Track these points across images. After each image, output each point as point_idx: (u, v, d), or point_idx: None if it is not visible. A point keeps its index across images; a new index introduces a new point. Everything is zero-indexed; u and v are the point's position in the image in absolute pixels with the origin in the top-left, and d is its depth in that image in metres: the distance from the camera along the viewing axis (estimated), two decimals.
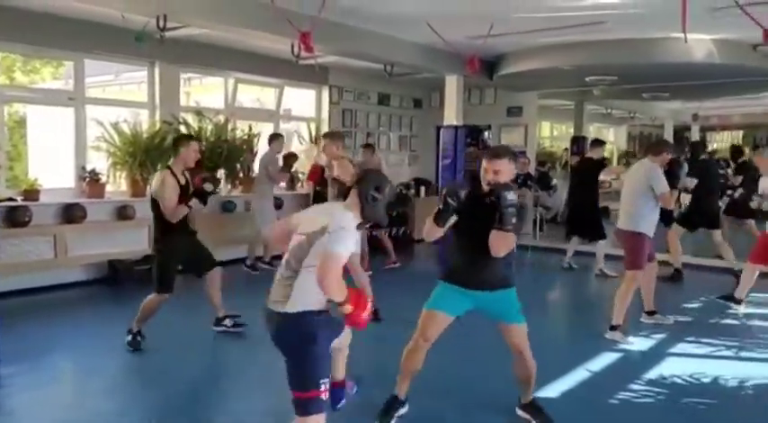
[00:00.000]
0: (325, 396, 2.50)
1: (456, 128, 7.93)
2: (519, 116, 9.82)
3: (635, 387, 3.91)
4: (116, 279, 6.38)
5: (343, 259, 2.38)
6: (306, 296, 2.47)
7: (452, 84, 7.94)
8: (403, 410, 3.31)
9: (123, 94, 9.57)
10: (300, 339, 2.49)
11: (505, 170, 2.95)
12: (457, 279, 3.16)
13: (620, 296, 4.79)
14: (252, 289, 5.74)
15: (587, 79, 7.85)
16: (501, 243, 2.91)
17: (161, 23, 4.91)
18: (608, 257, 7.23)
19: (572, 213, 7.72)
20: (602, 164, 7.30)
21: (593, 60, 6.96)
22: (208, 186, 4.40)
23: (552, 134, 14.67)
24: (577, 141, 10.53)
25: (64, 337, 4.79)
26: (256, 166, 7.43)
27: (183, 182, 4.31)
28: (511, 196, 2.81)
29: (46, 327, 5.01)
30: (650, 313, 5.28)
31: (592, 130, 16.15)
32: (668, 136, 14.50)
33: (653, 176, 4.73)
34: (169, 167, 4.33)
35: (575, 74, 7.59)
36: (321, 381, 2.48)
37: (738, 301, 5.71)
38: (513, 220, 2.84)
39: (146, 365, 4.26)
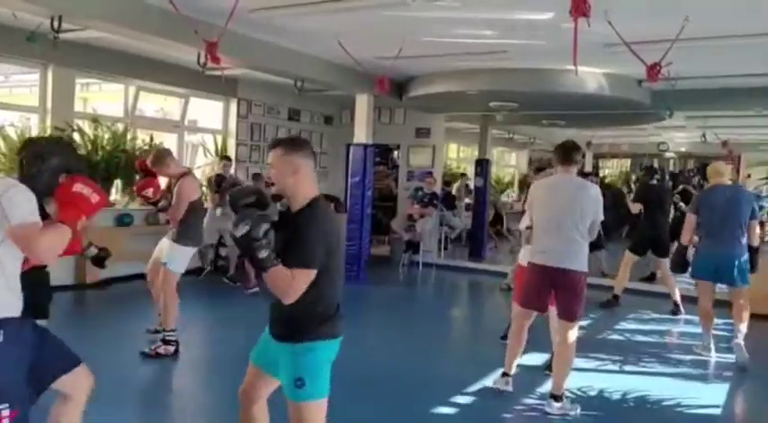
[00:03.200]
0: None
1: (365, 146, 7.99)
2: (427, 137, 10.06)
3: (526, 401, 4.07)
4: None
5: (32, 224, 2.00)
6: None
7: (363, 102, 8.02)
8: None
9: (13, 99, 8.92)
10: None
11: (279, 164, 2.28)
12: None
13: (564, 360, 3.83)
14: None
15: (491, 104, 8.18)
16: (271, 285, 2.19)
17: (55, 24, 4.63)
18: None
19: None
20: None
21: (495, 87, 7.27)
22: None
23: (459, 156, 15.15)
24: (481, 164, 10.93)
25: None
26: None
27: None
28: (241, 229, 2.09)
29: None
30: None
31: (495, 154, 16.84)
32: None
33: (599, 198, 3.80)
34: None
35: (479, 99, 7.90)
36: None
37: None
38: (263, 254, 2.10)
39: None
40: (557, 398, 3.83)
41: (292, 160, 2.27)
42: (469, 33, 5.69)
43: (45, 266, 2.79)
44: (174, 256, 4.58)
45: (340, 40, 5.89)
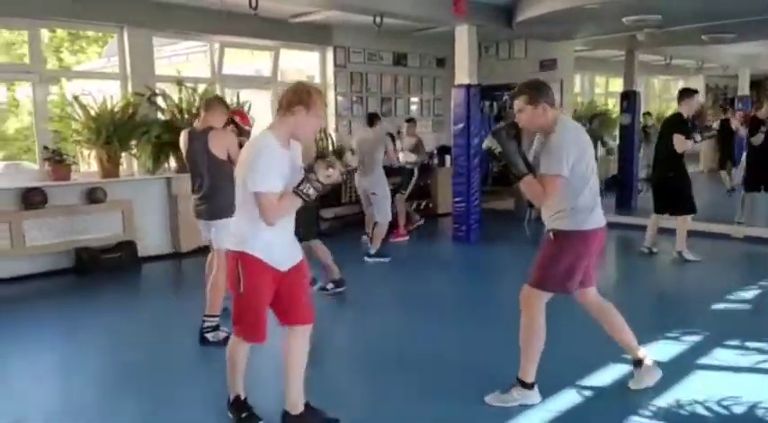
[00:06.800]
0: None
1: (468, 87, 6.85)
2: (553, 70, 8.56)
3: (637, 419, 2.92)
4: (83, 269, 5.86)
5: None
6: None
7: (462, 36, 6.82)
8: None
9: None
10: None
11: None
12: None
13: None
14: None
15: (624, 20, 6.54)
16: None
17: None
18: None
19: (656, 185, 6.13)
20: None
21: None
22: None
23: (607, 89, 13.15)
24: (627, 97, 9.18)
25: (25, 334, 4.24)
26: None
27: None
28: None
29: (4, 324, 4.44)
30: None
31: (656, 84, 14.48)
32: (744, 87, 12.64)
33: None
34: None
35: (607, 14, 6.33)
36: None
37: None
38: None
39: (124, 364, 3.75)
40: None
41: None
42: None
43: None
44: None
45: None
